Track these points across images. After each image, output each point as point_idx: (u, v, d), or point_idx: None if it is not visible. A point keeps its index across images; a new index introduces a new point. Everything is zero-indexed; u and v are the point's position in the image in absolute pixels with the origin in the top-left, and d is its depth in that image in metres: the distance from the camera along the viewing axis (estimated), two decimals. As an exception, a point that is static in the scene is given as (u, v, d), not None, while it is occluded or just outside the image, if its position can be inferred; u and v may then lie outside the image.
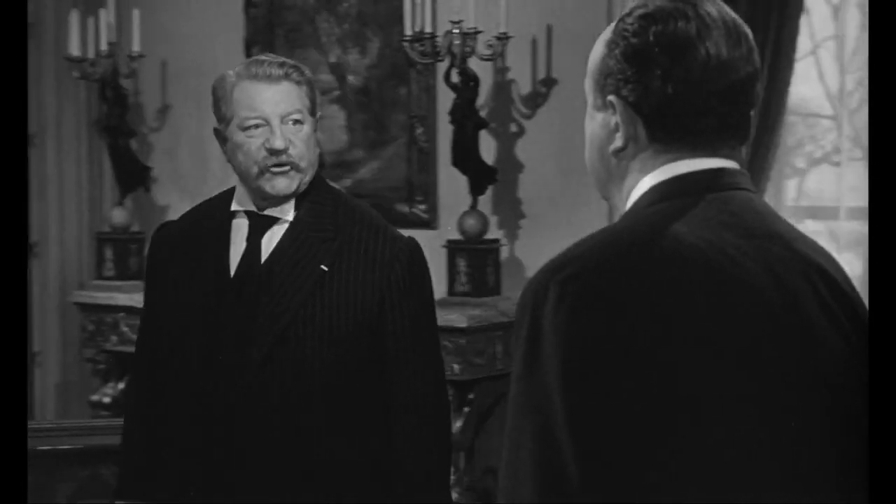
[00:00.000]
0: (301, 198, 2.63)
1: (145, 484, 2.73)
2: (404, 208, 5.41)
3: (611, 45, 1.61)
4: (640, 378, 1.42)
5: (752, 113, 1.63)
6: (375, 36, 5.50)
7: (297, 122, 2.58)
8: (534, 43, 5.07)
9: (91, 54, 5.72)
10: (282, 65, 2.59)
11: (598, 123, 1.63)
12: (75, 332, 6.06)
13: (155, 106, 6.21)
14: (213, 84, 2.65)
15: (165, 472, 2.67)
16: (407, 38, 4.90)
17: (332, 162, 5.62)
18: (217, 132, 2.66)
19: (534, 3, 5.05)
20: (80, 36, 5.70)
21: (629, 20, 1.60)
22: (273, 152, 2.55)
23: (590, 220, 4.70)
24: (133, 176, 5.90)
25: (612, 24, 1.63)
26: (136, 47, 5.71)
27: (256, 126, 2.56)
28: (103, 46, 5.69)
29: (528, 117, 5.15)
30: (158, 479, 2.69)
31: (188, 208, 6.05)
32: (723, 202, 1.56)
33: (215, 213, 2.69)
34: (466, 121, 4.93)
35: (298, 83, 2.59)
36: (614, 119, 1.60)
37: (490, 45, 4.86)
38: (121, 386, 5.77)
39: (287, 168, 2.57)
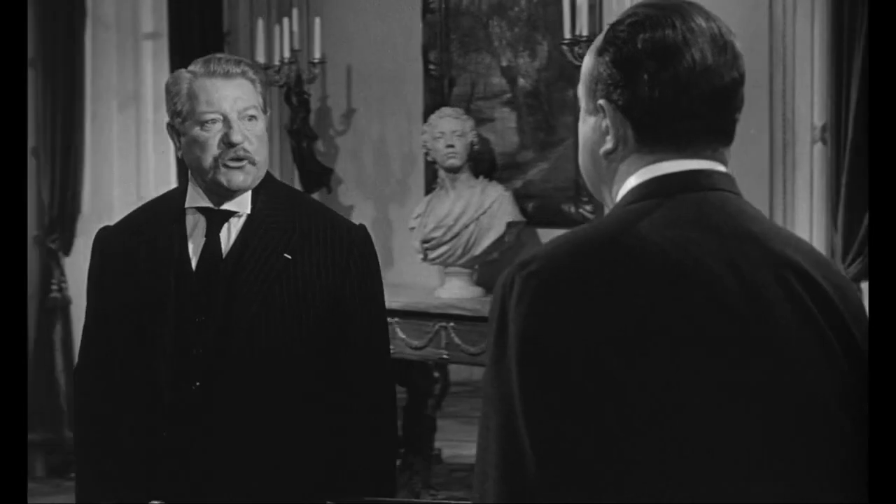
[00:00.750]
0: (256, 192, 2.72)
1: (108, 486, 2.75)
2: (570, 208, 5.48)
3: (602, 51, 1.68)
4: (590, 371, 1.48)
5: (736, 116, 1.68)
6: (544, 39, 5.58)
7: (252, 117, 2.67)
8: (696, 44, 5.05)
9: (277, 61, 5.99)
10: (238, 62, 2.69)
11: (590, 127, 1.70)
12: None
13: (340, 110, 6.44)
14: (166, 81, 2.74)
15: (129, 471, 2.71)
16: (565, 42, 4.98)
17: (503, 163, 5.74)
18: (171, 128, 2.73)
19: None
20: (266, 43, 5.97)
21: (619, 28, 1.67)
22: (230, 145, 2.63)
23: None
24: (315, 177, 6.14)
25: (603, 32, 1.70)
26: (317, 54, 5.94)
27: (213, 121, 2.64)
28: (286, 53, 5.94)
29: (692, 118, 5.13)
30: (122, 480, 2.72)
31: (371, 209, 6.33)
32: (695, 202, 1.61)
33: (166, 213, 2.76)
34: (625, 122, 4.96)
35: (253, 81, 2.69)
36: (605, 122, 1.67)
37: (648, 48, 4.88)
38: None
39: (243, 163, 2.65)
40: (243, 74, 2.67)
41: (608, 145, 1.67)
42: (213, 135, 2.65)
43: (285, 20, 5.97)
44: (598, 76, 1.68)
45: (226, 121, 2.64)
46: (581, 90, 1.73)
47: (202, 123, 2.65)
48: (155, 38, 7.21)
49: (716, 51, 1.63)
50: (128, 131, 7.40)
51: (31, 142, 7.51)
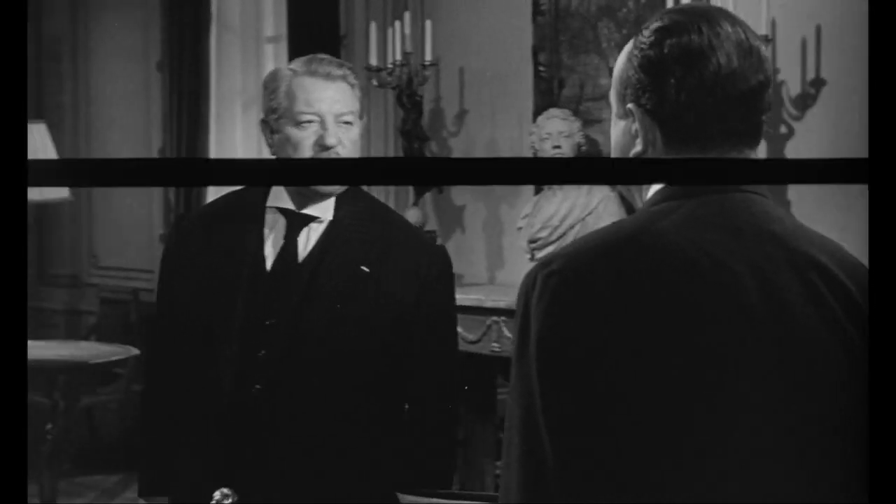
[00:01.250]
0: (341, 199, 2.69)
1: (169, 480, 2.72)
2: (676, 209, 5.48)
3: (630, 57, 1.74)
4: (606, 369, 1.53)
5: (763, 119, 1.71)
6: (652, 40, 5.58)
7: (347, 123, 2.63)
8: (803, 44, 5.03)
9: (390, 63, 6.09)
10: (340, 65, 2.66)
11: (621, 130, 1.75)
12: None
13: (453, 111, 6.52)
14: (265, 77, 2.71)
15: (189, 467, 2.67)
16: (669, 43, 4.97)
17: (610, 163, 5.75)
18: (265, 124, 2.69)
19: (803, 4, 5.01)
20: (379, 46, 6.07)
21: (646, 33, 1.72)
22: (323, 148, 2.60)
23: (855, 221, 4.64)
24: (426, 177, 6.21)
25: (633, 39, 1.75)
26: (428, 56, 6.02)
27: (310, 122, 2.61)
28: (398, 56, 6.03)
29: (798, 119, 5.12)
30: (183, 475, 2.69)
31: (482, 209, 6.40)
32: (717, 203, 1.64)
33: (248, 208, 2.71)
34: (729, 123, 4.95)
35: (353, 86, 2.66)
36: (634, 126, 1.71)
37: (753, 48, 4.87)
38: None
39: None
40: (344, 78, 2.65)
41: (638, 148, 1.71)
42: (308, 136, 2.62)
43: (398, 23, 6.06)
44: (628, 80, 1.73)
45: (322, 123, 2.62)
46: (612, 94, 1.78)
47: (298, 123, 2.63)
48: (276, 41, 7.39)
49: (741, 55, 1.67)
50: (251, 132, 7.61)
51: (157, 142, 7.76)
